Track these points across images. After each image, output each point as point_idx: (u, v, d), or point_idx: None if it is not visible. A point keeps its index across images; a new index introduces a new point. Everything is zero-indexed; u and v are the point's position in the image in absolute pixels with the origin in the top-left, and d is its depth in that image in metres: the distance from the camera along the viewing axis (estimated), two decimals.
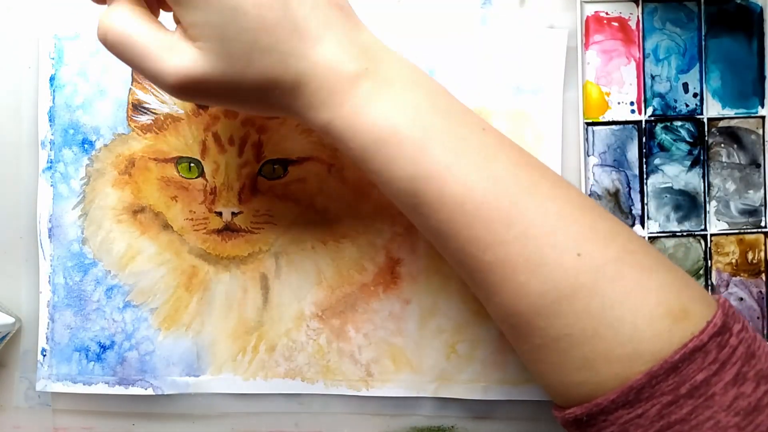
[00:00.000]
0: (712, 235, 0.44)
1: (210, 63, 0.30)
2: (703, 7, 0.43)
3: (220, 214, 0.42)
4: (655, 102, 0.43)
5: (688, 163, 0.43)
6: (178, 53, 0.30)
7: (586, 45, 0.43)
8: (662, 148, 0.43)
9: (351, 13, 0.33)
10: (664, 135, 0.43)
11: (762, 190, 0.44)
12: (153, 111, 0.42)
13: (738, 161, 0.44)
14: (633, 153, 0.43)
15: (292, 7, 0.30)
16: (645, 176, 0.43)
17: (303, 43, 0.30)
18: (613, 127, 0.43)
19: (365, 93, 0.31)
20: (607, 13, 0.43)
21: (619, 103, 0.43)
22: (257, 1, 0.29)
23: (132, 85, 0.42)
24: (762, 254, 0.44)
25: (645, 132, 0.43)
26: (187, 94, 0.31)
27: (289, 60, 0.30)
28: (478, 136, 0.32)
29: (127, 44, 0.31)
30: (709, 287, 0.44)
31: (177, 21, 0.32)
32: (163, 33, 0.31)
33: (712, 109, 0.43)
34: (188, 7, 0.29)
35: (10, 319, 0.41)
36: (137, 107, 0.42)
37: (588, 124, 0.43)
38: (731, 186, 0.44)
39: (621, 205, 0.43)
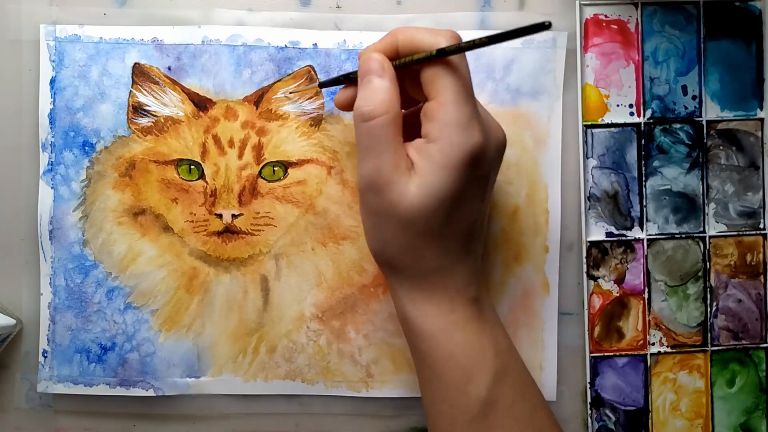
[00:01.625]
0: (710, 237, 0.44)
1: (408, 208, 0.33)
2: (702, 9, 0.43)
3: (220, 216, 0.42)
4: (654, 104, 0.43)
5: (687, 165, 0.44)
6: (401, 177, 0.33)
7: (585, 47, 0.43)
8: (661, 150, 0.43)
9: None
10: (663, 137, 0.43)
11: (761, 192, 0.44)
12: (153, 113, 0.42)
13: (737, 163, 0.44)
14: (632, 155, 0.43)
15: (475, 226, 0.35)
16: (644, 178, 0.43)
17: (461, 253, 0.35)
18: (612, 129, 0.43)
19: (471, 314, 0.36)
20: (606, 16, 0.43)
21: (618, 105, 0.43)
22: (470, 206, 0.34)
23: (132, 87, 0.42)
24: (761, 256, 0.44)
25: (644, 134, 0.43)
26: (374, 197, 0.34)
27: (446, 256, 0.35)
28: (532, 386, 0.38)
29: (379, 139, 0.33)
30: (708, 289, 0.44)
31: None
32: (404, 153, 0.34)
33: (711, 111, 0.44)
34: (435, 169, 0.33)
35: (11, 321, 0.41)
36: (137, 109, 0.42)
37: (587, 126, 0.43)
38: (730, 188, 0.44)
39: (620, 208, 0.43)
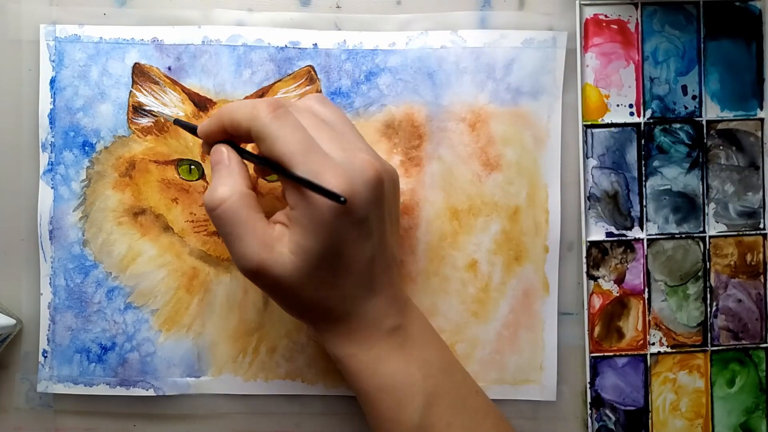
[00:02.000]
0: (710, 237, 0.44)
1: (292, 274, 0.33)
2: (702, 9, 0.43)
3: None
4: (654, 104, 0.43)
5: (687, 165, 0.44)
6: (271, 253, 0.33)
7: (585, 47, 0.43)
8: (661, 150, 0.43)
9: (398, 269, 0.38)
10: (663, 137, 0.43)
11: (761, 192, 0.44)
12: (153, 113, 0.42)
13: (737, 163, 0.44)
14: (632, 155, 0.43)
15: (374, 263, 0.35)
16: (644, 178, 0.43)
17: (367, 292, 0.35)
18: (612, 129, 0.43)
19: (393, 344, 0.36)
20: (606, 16, 0.43)
21: (618, 105, 0.43)
22: (357, 250, 0.34)
23: (132, 87, 0.42)
24: (761, 256, 0.44)
25: (644, 134, 0.43)
26: (256, 280, 0.34)
27: (351, 299, 0.35)
28: (473, 399, 0.37)
29: (232, 224, 0.33)
30: (708, 289, 0.44)
31: (284, 217, 0.34)
32: (266, 227, 0.34)
33: (711, 111, 0.44)
34: (305, 231, 0.33)
35: (11, 321, 0.41)
36: (138, 109, 0.42)
37: (587, 126, 0.43)
38: (730, 188, 0.44)
39: (620, 208, 0.43)
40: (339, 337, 0.36)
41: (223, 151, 0.35)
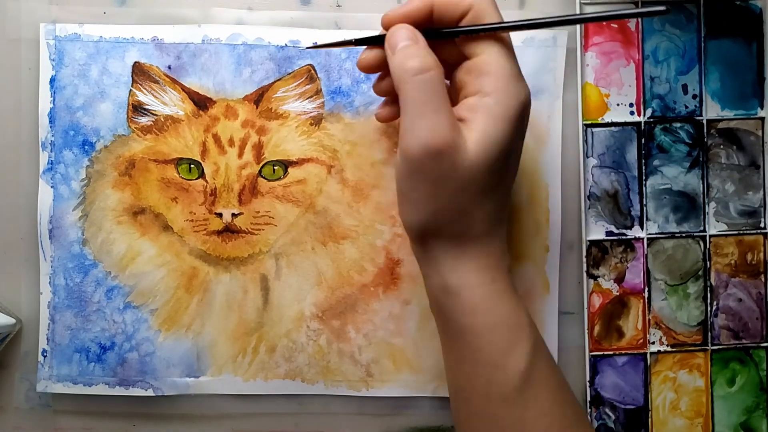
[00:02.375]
0: (711, 236, 0.44)
1: (470, 165, 0.32)
2: (702, 8, 0.43)
3: (220, 215, 0.42)
4: (655, 103, 0.43)
5: (688, 164, 0.44)
6: (459, 137, 0.32)
7: (585, 46, 0.43)
8: (661, 149, 0.43)
9: None
10: (663, 136, 0.43)
11: (761, 192, 0.44)
12: (153, 112, 0.42)
13: (737, 162, 0.44)
14: (632, 154, 0.43)
15: (511, 189, 0.36)
16: (644, 178, 0.43)
17: (503, 216, 0.35)
18: (613, 128, 0.43)
19: (507, 285, 0.35)
20: None
21: (618, 104, 0.43)
22: (515, 162, 0.35)
23: (132, 86, 0.42)
24: (761, 255, 0.44)
25: (644, 133, 0.43)
26: (432, 161, 0.32)
27: (495, 220, 0.34)
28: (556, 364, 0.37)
29: (433, 93, 0.32)
30: (708, 288, 0.44)
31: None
32: (453, 113, 0.33)
33: (712, 110, 0.44)
34: (496, 121, 0.32)
35: (11, 320, 0.41)
36: (137, 108, 0.42)
37: (587, 125, 0.43)
38: (730, 187, 0.44)
39: (620, 207, 0.43)
40: (463, 264, 0.34)
41: (410, 29, 0.33)
